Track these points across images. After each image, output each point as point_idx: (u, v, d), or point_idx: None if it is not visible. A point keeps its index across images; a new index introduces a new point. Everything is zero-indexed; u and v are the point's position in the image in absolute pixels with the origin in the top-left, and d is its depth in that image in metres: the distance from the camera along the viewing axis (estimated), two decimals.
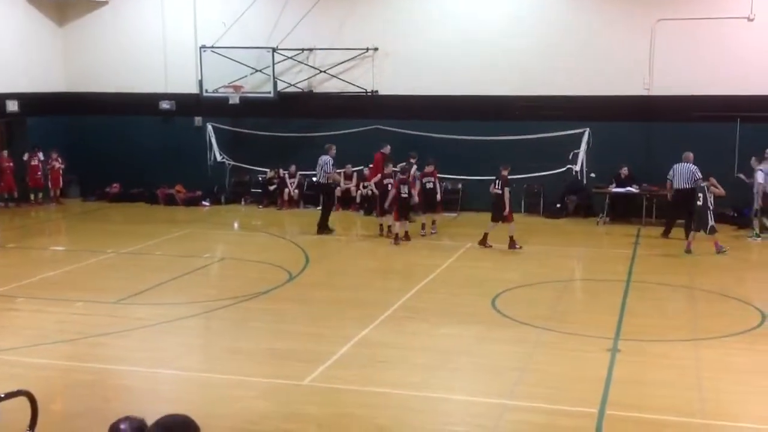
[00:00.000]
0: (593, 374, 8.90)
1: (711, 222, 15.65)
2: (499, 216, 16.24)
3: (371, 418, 7.84)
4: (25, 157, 22.16)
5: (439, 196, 18.06)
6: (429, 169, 17.61)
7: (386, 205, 16.92)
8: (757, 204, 17.13)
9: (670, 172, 17.55)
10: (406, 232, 16.98)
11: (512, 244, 16.05)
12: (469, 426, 7.79)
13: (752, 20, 19.02)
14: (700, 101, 19.48)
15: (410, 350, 9.96)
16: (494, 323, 11.11)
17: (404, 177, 17.18)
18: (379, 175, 17.77)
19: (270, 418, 7.88)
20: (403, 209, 16.86)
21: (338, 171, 19.07)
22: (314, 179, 20.05)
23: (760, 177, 17.03)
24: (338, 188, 20.46)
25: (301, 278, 13.91)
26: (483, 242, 16.24)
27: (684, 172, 17.30)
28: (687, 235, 16.49)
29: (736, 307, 11.96)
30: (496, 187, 16.33)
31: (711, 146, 18.55)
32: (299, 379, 8.79)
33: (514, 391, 8.50)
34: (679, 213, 17.50)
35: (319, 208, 21.76)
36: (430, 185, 17.60)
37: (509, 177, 16.54)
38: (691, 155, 17.47)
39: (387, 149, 18.94)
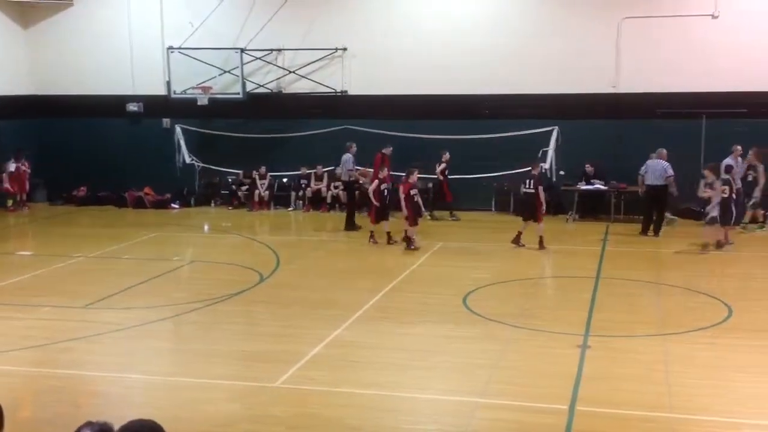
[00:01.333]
0: (564, 371, 8.96)
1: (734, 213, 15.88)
2: (530, 215, 16.16)
3: (342, 419, 7.83)
4: (11, 163, 21.81)
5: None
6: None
7: (404, 210, 16.16)
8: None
9: (643, 168, 17.76)
10: (388, 233, 16.61)
11: (542, 244, 15.97)
12: (440, 425, 7.81)
13: (716, 17, 19.28)
14: (666, 98, 19.72)
15: (382, 350, 9.97)
16: (465, 321, 11.15)
17: (412, 181, 16.53)
18: (376, 181, 16.88)
19: (239, 421, 7.84)
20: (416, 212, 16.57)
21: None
22: (340, 178, 20.15)
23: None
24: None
25: (272, 279, 13.87)
26: (516, 241, 16.08)
27: (657, 169, 17.53)
28: (646, 231, 17.08)
29: (702, 302, 12.10)
30: (528, 186, 16.19)
31: (677, 143, 18.75)
32: (270, 381, 8.76)
33: (486, 389, 8.54)
34: (652, 209, 17.72)
35: (291, 209, 21.78)
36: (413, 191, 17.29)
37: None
38: (664, 152, 17.71)
39: (389, 150, 18.53)
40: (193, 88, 21.64)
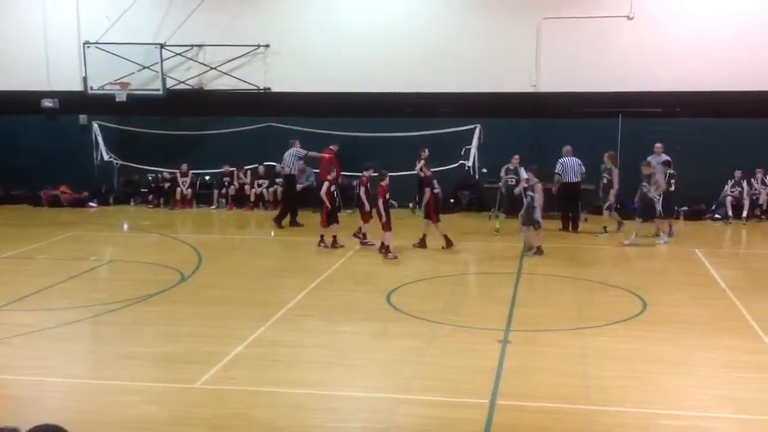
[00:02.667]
0: (485, 365, 9.09)
1: (659, 208, 16.33)
2: (426, 215, 15.99)
3: (266, 419, 7.78)
4: None
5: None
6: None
7: (382, 216, 15.31)
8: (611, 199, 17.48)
9: (558, 167, 18.09)
10: (334, 237, 16.05)
11: (448, 242, 15.82)
12: (364, 422, 7.83)
13: (632, 19, 19.85)
14: (585, 97, 20.19)
15: (306, 348, 9.94)
16: (389, 319, 11.20)
17: (385, 184, 15.59)
18: (326, 182, 16.22)
19: (161, 423, 7.71)
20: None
21: (231, 170, 18.82)
22: (281, 173, 20.02)
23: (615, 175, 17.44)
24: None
25: (194, 278, 13.67)
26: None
27: (574, 166, 17.93)
28: (566, 227, 17.64)
29: (618, 296, 12.45)
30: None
31: (595, 141, 19.25)
32: (192, 382, 8.64)
33: (409, 385, 8.60)
34: (569, 206, 18.15)
35: (214, 207, 21.52)
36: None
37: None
38: (570, 148, 18.13)
39: (336, 147, 18.28)
40: (111, 84, 21.17)
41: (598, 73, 20.05)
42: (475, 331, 10.52)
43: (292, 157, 18.97)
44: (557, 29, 20.21)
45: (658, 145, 18.66)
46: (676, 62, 19.79)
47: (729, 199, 19.74)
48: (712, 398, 8.29)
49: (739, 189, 19.80)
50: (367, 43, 20.97)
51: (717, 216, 19.85)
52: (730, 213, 19.64)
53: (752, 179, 19.90)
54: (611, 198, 17.44)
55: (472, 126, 20.66)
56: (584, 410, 7.97)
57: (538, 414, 7.89)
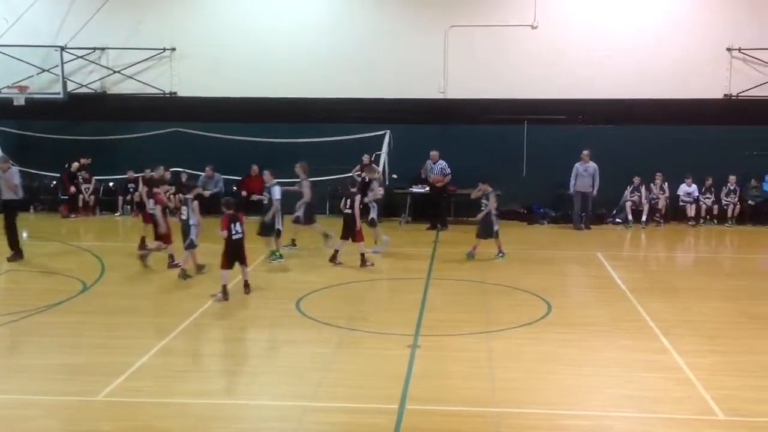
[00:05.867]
0: (394, 371, 9.10)
1: (496, 227, 15.81)
2: (348, 234, 15.13)
3: (170, 430, 7.59)
4: None
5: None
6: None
7: (357, 224, 14.92)
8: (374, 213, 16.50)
9: (426, 168, 19.32)
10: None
11: (363, 262, 15.02)
12: (270, 430, 7.73)
13: (536, 28, 20.31)
14: (491, 104, 20.56)
15: (212, 357, 9.77)
16: (298, 326, 11.10)
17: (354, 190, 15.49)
18: (358, 196, 15.39)
19: None
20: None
21: (136, 176, 18.33)
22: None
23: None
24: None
25: (96, 288, 13.26)
26: (333, 259, 15.02)
27: (438, 170, 18.64)
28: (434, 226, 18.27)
29: (524, 299, 12.67)
30: (347, 206, 15.08)
31: (501, 147, 19.62)
32: (93, 395, 8.35)
33: (316, 392, 8.53)
34: (436, 206, 19.24)
35: (118, 214, 20.97)
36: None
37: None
38: (437, 153, 19.20)
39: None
40: (8, 87, 20.39)
41: (505, 80, 20.44)
42: (384, 336, 10.53)
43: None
44: (464, 37, 20.52)
45: (585, 152, 19.23)
46: (579, 71, 20.36)
47: (629, 204, 20.42)
48: (614, 397, 8.51)
49: (639, 194, 20.49)
50: (276, 49, 20.84)
51: (618, 220, 20.49)
52: (630, 218, 20.32)
53: (651, 185, 20.63)
54: (299, 210, 16.22)
55: (381, 132, 20.75)
56: (492, 412, 8.06)
57: (447, 417, 7.94)
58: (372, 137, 20.73)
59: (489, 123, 20.59)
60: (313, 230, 16.53)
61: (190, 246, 13.82)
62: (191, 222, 13.74)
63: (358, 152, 20.35)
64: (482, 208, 15.76)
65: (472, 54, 20.63)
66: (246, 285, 12.79)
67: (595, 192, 19.59)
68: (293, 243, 16.46)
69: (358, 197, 15.30)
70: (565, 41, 20.52)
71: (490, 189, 15.75)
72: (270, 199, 15.13)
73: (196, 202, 13.86)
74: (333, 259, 15.09)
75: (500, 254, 15.75)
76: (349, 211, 15.07)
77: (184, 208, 13.92)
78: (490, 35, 20.46)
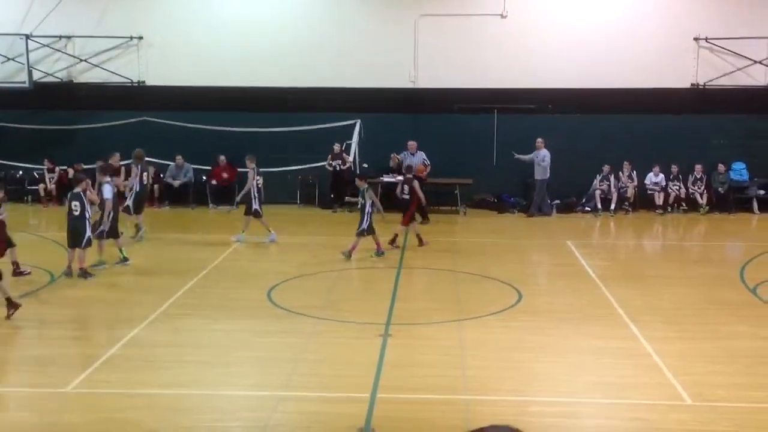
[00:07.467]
0: (366, 360, 9.11)
1: (367, 224, 14.98)
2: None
3: (140, 422, 7.53)
4: None
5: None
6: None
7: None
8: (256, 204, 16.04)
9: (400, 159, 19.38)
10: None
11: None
12: (242, 420, 7.71)
13: (505, 17, 20.35)
14: (462, 94, 20.59)
15: (182, 348, 9.70)
16: (270, 316, 11.08)
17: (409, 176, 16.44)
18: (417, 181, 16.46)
19: (29, 431, 7.35)
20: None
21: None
22: None
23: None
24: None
25: (64, 279, 13.11)
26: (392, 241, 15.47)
27: (416, 162, 18.69)
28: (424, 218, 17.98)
29: (495, 288, 12.74)
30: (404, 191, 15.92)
31: (472, 136, 19.66)
32: (61, 387, 8.27)
33: (289, 382, 8.52)
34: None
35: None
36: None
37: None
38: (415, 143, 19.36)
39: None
40: None
41: (475, 70, 20.47)
42: (355, 325, 10.54)
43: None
44: (434, 26, 20.51)
45: (539, 140, 19.36)
46: (548, 60, 20.43)
47: (598, 192, 20.58)
48: (583, 384, 8.60)
49: (608, 183, 20.66)
50: (246, 38, 20.68)
51: (587, 209, 20.66)
52: (599, 206, 20.49)
53: (620, 173, 20.81)
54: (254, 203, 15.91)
55: (352, 121, 20.70)
56: (462, 400, 8.11)
57: (418, 405, 7.98)
58: (342, 126, 20.68)
59: (459, 112, 20.63)
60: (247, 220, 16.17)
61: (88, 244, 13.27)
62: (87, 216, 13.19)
63: (329, 141, 20.32)
64: (358, 207, 15.75)
65: (442, 43, 20.63)
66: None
67: (538, 177, 19.70)
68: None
69: (416, 182, 16.13)
70: (534, 30, 20.58)
71: (366, 185, 15.30)
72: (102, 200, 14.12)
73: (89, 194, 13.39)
74: (392, 242, 15.63)
75: (380, 253, 15.07)
76: (407, 196, 15.86)
77: (75, 203, 13.12)
78: (460, 24, 20.47)
